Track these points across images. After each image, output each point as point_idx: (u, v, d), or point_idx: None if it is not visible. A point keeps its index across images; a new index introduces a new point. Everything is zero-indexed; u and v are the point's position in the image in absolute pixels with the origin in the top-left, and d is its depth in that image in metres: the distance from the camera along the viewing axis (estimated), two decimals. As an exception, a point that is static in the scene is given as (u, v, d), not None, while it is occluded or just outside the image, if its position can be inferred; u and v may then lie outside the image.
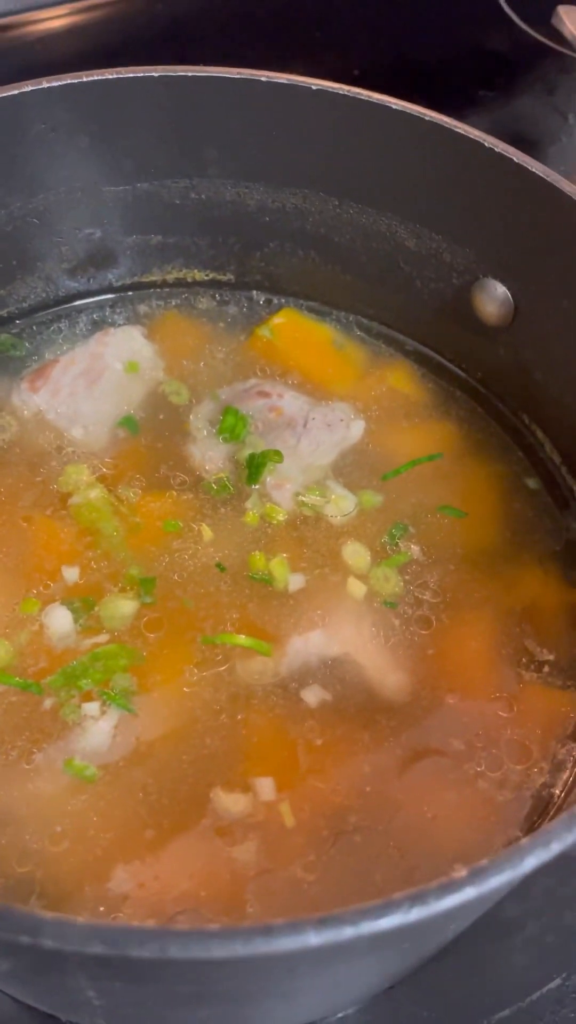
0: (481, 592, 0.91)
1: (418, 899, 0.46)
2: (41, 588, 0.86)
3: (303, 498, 0.94)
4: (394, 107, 0.90)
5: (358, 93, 0.90)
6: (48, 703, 0.80)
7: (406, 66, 1.66)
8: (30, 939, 0.45)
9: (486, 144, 0.87)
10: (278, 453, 0.96)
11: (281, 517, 0.93)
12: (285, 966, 0.51)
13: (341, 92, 0.90)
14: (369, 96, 0.90)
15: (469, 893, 0.47)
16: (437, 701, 0.84)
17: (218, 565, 0.89)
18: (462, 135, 0.88)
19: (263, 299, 1.12)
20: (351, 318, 1.11)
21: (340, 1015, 0.83)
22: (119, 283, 1.09)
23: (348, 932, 0.45)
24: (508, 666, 0.87)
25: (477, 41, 1.73)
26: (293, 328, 1.10)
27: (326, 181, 0.99)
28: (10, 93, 0.86)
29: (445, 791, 0.79)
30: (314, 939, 0.45)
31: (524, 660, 0.87)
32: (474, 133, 0.88)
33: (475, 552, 0.94)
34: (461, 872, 0.47)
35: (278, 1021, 0.77)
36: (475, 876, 0.47)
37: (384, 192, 0.97)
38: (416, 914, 0.46)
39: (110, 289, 1.09)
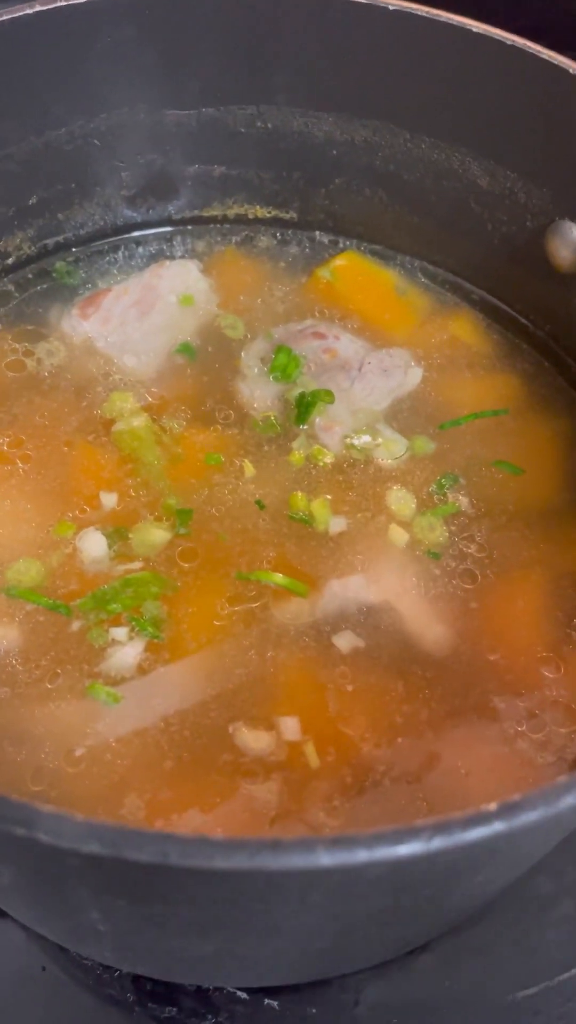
0: (532, 551, 0.86)
1: (442, 828, 0.42)
2: (77, 512, 0.84)
3: (352, 440, 0.90)
4: (475, 30, 0.85)
5: (437, 15, 0.86)
6: (76, 625, 0.78)
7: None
8: (25, 832, 0.43)
9: (571, 71, 0.82)
10: (329, 393, 0.92)
11: (328, 459, 0.90)
12: (295, 892, 0.48)
13: (420, 13, 0.86)
14: (449, 18, 0.86)
15: (498, 827, 0.43)
16: (478, 657, 0.79)
17: (257, 502, 0.86)
18: (546, 61, 0.82)
19: (326, 239, 1.08)
20: (416, 263, 1.06)
21: (357, 974, 0.80)
22: (179, 216, 1.06)
23: (362, 856, 0.42)
24: (558, 627, 0.82)
25: None
26: (354, 271, 1.06)
27: (399, 112, 0.94)
28: (78, 1, 0.84)
29: (481, 748, 0.74)
30: (325, 859, 0.42)
31: (576, 622, 0.82)
32: (559, 59, 0.82)
33: (528, 510, 0.89)
34: (491, 805, 0.43)
35: (290, 969, 0.74)
36: (506, 810, 0.43)
37: (459, 125, 0.93)
38: (438, 843, 0.42)
39: (169, 222, 1.07)
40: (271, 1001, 0.80)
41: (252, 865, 0.41)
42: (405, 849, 0.42)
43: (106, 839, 0.42)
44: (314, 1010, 0.79)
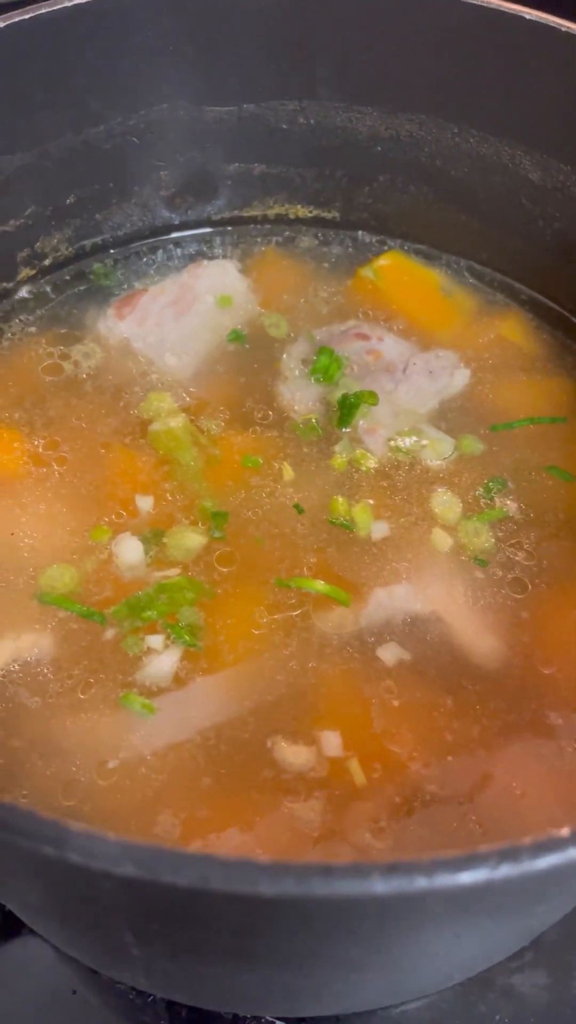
0: (586, 560, 0.82)
1: (509, 855, 0.38)
2: (113, 516, 0.82)
3: (396, 442, 0.87)
4: (528, 18, 0.82)
5: (486, 2, 0.82)
6: (110, 633, 0.75)
7: None
8: (55, 851, 0.40)
9: (630, 56, 0.78)
10: (373, 395, 0.89)
11: (371, 463, 0.86)
12: (345, 921, 0.44)
13: (468, 0, 0.83)
14: (499, 5, 0.82)
15: (572, 855, 0.39)
16: (531, 670, 0.75)
17: (296, 506, 0.82)
18: (603, 46, 0.79)
19: (370, 239, 1.05)
20: (463, 263, 1.03)
21: (401, 1006, 0.76)
22: (218, 216, 1.04)
23: (420, 883, 0.38)
24: (616, 640, 0.77)
25: None
26: (398, 271, 1.03)
27: (446, 105, 0.91)
28: (117, -5, 0.82)
29: (536, 767, 0.70)
30: (380, 887, 0.38)
31: None
32: (617, 44, 0.78)
33: (581, 518, 0.85)
34: (563, 830, 0.39)
35: (331, 1001, 0.70)
36: (580, 836, 0.39)
37: (509, 117, 0.89)
38: (505, 871, 0.38)
39: (208, 222, 1.04)
40: (310, 1032, 0.76)
41: (300, 892, 0.38)
42: (468, 877, 0.38)
43: (142, 861, 0.39)
44: (356, 1043, 0.75)
